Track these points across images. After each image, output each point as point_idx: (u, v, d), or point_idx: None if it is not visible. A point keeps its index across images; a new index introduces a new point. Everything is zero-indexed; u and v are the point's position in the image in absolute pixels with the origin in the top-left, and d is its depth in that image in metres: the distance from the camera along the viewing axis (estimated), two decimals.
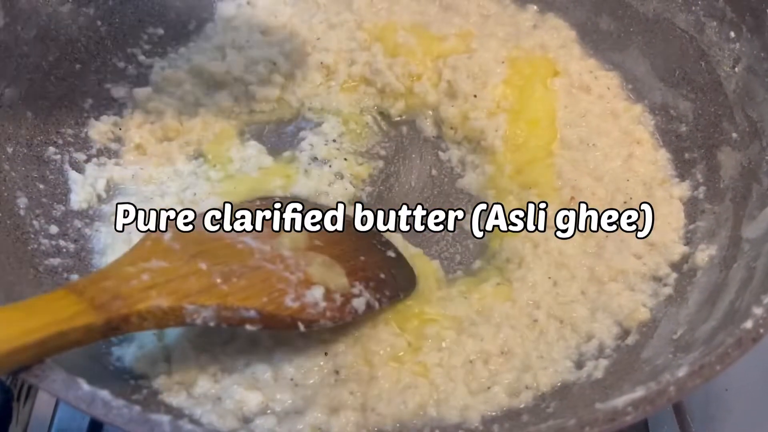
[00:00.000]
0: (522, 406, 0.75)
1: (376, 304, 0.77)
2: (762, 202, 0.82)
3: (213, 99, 1.00)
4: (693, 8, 0.96)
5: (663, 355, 0.73)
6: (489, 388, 0.77)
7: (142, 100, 0.99)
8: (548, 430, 0.55)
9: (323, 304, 0.72)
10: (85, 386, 0.55)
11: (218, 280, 0.68)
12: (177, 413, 0.70)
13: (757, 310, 0.63)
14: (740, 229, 0.82)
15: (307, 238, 0.77)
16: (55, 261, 0.83)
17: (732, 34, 0.91)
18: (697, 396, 0.92)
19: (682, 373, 0.57)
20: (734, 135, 0.89)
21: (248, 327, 0.69)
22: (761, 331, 0.61)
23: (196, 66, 1.02)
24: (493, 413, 0.75)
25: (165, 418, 0.54)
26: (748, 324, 0.62)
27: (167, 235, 0.70)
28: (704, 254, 0.83)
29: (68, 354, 0.63)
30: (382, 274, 0.79)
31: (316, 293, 0.72)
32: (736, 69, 0.91)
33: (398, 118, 1.02)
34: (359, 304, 0.75)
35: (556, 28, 1.07)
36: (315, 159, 0.96)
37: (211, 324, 0.67)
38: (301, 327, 0.71)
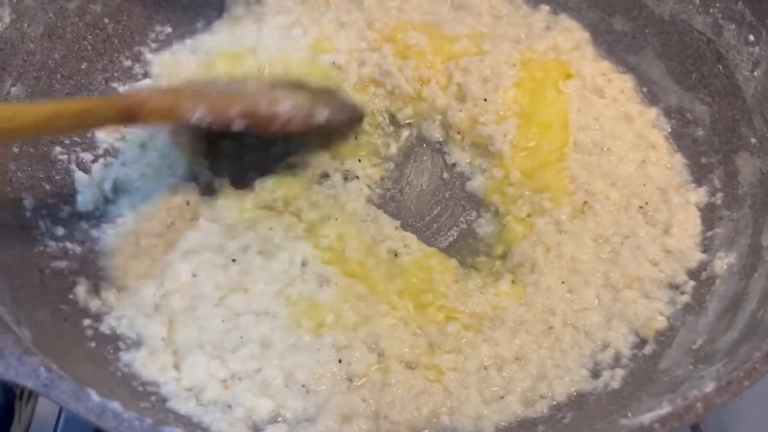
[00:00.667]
0: (537, 416, 0.74)
1: (336, 117, 0.93)
2: None
3: None
4: (711, 10, 0.95)
5: (682, 365, 0.72)
6: (503, 397, 0.76)
7: None
8: None
9: (292, 111, 0.88)
10: (95, 397, 0.54)
11: (207, 91, 0.87)
12: (186, 421, 0.68)
13: None
14: (760, 237, 0.81)
15: (271, 83, 0.95)
16: (62, 264, 0.82)
17: (751, 37, 0.90)
18: None
19: (709, 388, 0.56)
20: (753, 140, 0.88)
21: (235, 126, 0.84)
22: None
23: (202, 55, 1.02)
24: (508, 423, 0.73)
25: (178, 431, 0.52)
26: None
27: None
28: (723, 262, 0.82)
29: (76, 359, 0.62)
30: (337, 104, 0.96)
31: (286, 103, 0.88)
32: (755, 73, 0.89)
33: (406, 122, 1.01)
34: (321, 113, 0.90)
35: (570, 30, 1.05)
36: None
37: (204, 122, 0.82)
38: (278, 123, 0.87)
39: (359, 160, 0.96)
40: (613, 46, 1.03)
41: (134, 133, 0.95)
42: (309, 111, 0.90)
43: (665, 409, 0.55)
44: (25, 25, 0.88)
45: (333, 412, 0.72)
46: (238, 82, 0.94)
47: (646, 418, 0.54)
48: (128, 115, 0.80)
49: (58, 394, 0.53)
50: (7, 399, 0.88)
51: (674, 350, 0.76)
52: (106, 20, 0.98)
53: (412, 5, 1.07)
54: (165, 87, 0.94)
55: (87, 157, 0.92)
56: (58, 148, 0.90)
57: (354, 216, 0.90)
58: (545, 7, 1.06)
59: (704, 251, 0.85)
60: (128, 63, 1.00)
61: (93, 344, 0.75)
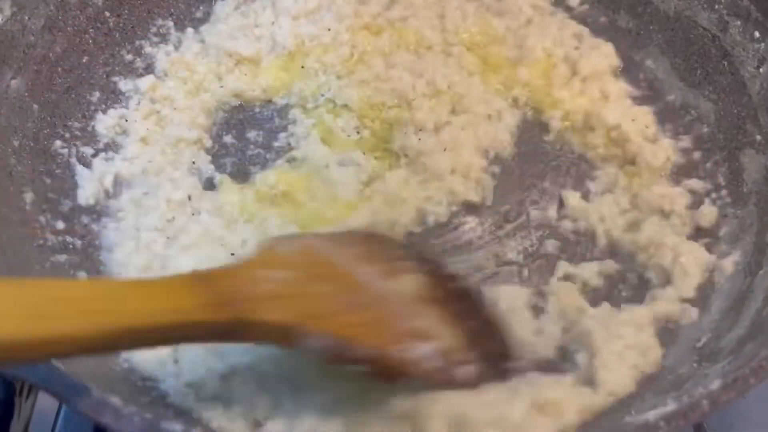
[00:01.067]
0: None
1: (482, 378, 0.68)
2: None
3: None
4: (716, 6, 0.94)
5: (686, 363, 0.71)
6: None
7: (148, 89, 0.98)
8: None
9: (431, 362, 0.65)
10: (95, 392, 0.53)
11: (338, 309, 0.63)
12: (186, 418, 0.68)
13: None
14: (765, 235, 0.80)
15: (428, 287, 0.70)
16: (62, 257, 0.81)
17: (757, 33, 0.89)
18: None
19: (715, 386, 0.55)
20: (758, 137, 0.87)
21: (351, 366, 0.64)
22: None
23: (207, 46, 1.01)
24: None
25: (177, 427, 0.52)
26: None
27: (284, 247, 0.65)
28: (728, 260, 0.81)
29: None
30: (492, 345, 0.72)
31: (428, 348, 0.65)
32: (761, 69, 0.88)
33: None
34: (467, 372, 0.67)
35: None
36: None
37: (315, 354, 0.62)
38: (406, 380, 0.65)
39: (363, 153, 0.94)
40: (617, 42, 1.02)
41: (135, 128, 0.95)
42: (452, 361, 0.66)
43: (670, 406, 0.55)
44: (26, 18, 0.88)
45: None
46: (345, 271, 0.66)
47: (651, 415, 0.54)
48: (228, 332, 0.57)
49: (58, 389, 0.53)
50: (7, 394, 0.87)
51: (678, 348, 0.76)
52: (107, 14, 0.97)
53: None
54: (284, 278, 0.62)
55: (88, 151, 0.92)
56: (58, 142, 0.90)
57: None
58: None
59: (709, 250, 0.84)
60: (129, 57, 0.99)
61: None
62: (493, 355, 0.71)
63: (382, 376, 0.66)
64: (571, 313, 0.78)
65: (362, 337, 0.62)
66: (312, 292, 0.62)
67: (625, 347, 0.74)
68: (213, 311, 0.55)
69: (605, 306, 0.79)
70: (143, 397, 0.69)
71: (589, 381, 0.71)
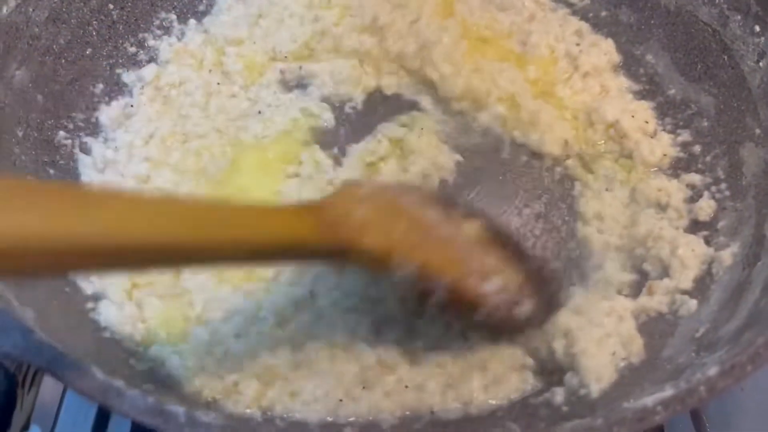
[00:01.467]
0: (537, 402, 0.74)
1: (537, 318, 0.75)
2: None
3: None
4: (716, 1, 0.94)
5: (685, 353, 0.71)
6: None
7: (152, 78, 0.99)
8: (575, 428, 0.53)
9: (499, 296, 0.70)
10: (99, 375, 0.54)
11: (422, 243, 0.68)
12: (190, 401, 0.68)
13: None
14: (764, 227, 0.80)
15: (485, 232, 0.74)
16: None
17: (757, 28, 0.89)
18: None
19: (712, 372, 0.56)
20: (758, 131, 0.87)
21: (431, 297, 0.69)
22: None
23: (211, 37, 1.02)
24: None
25: (180, 410, 0.52)
26: None
27: (364, 190, 0.70)
28: (726, 252, 0.82)
29: (79, 341, 0.62)
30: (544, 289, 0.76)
31: (495, 283, 0.70)
32: (761, 64, 0.89)
33: None
34: (525, 310, 0.72)
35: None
36: None
37: (405, 280, 0.66)
38: (478, 314, 0.70)
39: None
40: (618, 37, 1.03)
41: (139, 120, 0.96)
42: (515, 298, 0.71)
43: (668, 392, 0.55)
44: (30, 9, 0.88)
45: None
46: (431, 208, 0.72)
47: (649, 400, 0.54)
48: (331, 252, 0.64)
49: (63, 372, 0.53)
50: (9, 386, 0.88)
51: (676, 338, 0.76)
52: (110, 6, 0.98)
53: None
54: (371, 211, 0.67)
55: (91, 141, 0.92)
56: (62, 133, 0.90)
57: None
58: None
59: (707, 242, 0.85)
60: (133, 49, 1.00)
61: (96, 326, 0.75)
62: (544, 299, 0.75)
63: (456, 308, 0.72)
64: None
65: (444, 268, 0.68)
66: (397, 225, 0.68)
67: (605, 335, 0.75)
68: (321, 234, 0.62)
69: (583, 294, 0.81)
70: (146, 384, 0.70)
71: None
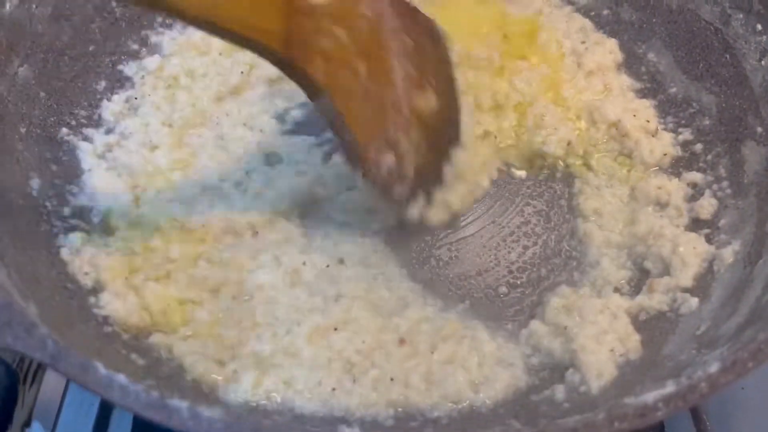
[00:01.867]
0: (538, 399, 0.74)
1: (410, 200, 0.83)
2: None
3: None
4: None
5: (686, 351, 0.72)
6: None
7: (154, 69, 0.99)
8: (576, 424, 0.53)
9: (386, 171, 0.78)
10: (102, 370, 0.54)
11: (358, 93, 0.75)
12: (193, 396, 0.69)
13: None
14: (765, 225, 0.80)
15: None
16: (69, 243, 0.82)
17: (759, 26, 0.90)
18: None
19: (713, 368, 0.56)
20: (759, 129, 0.87)
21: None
22: None
23: None
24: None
25: (183, 404, 0.53)
26: None
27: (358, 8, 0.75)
28: (728, 250, 0.82)
29: (81, 336, 0.62)
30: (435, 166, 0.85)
31: (390, 160, 0.78)
32: (763, 62, 0.89)
33: None
34: (402, 191, 0.81)
35: None
36: None
37: (319, 112, 0.76)
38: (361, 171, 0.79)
39: None
40: (620, 35, 1.03)
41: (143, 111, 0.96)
42: (397, 179, 0.80)
43: (669, 388, 0.55)
44: (34, 7, 0.88)
45: None
46: None
47: (650, 396, 0.54)
48: (279, 61, 0.71)
49: (66, 366, 0.54)
50: (10, 382, 0.87)
51: (677, 336, 0.76)
52: (113, 3, 0.98)
53: None
54: (339, 38, 0.74)
55: (94, 137, 0.92)
56: (64, 129, 0.90)
57: None
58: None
59: (709, 240, 0.85)
60: (135, 47, 1.00)
61: (98, 322, 0.75)
62: (429, 179, 0.84)
63: (350, 160, 0.80)
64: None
65: (358, 126, 0.75)
66: (351, 67, 0.74)
67: (601, 332, 0.76)
68: (281, 45, 0.69)
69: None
70: (148, 380, 0.70)
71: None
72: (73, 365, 0.53)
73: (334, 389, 0.72)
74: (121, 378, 0.53)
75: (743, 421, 0.90)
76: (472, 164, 0.89)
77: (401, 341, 0.76)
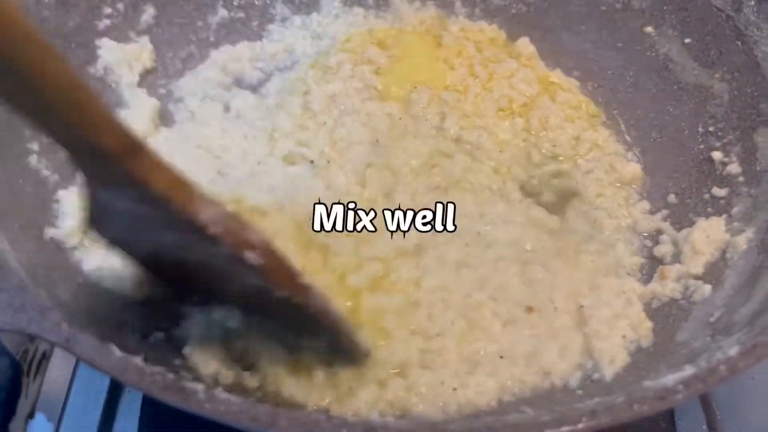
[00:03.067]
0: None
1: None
2: None
3: None
4: None
5: (700, 338, 0.71)
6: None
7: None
8: (597, 407, 0.53)
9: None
10: (118, 352, 0.53)
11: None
12: (209, 380, 0.68)
13: None
14: None
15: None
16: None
17: None
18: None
19: (733, 352, 0.56)
20: None
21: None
22: None
23: None
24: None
25: (200, 386, 0.52)
26: None
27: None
28: (741, 237, 0.81)
29: (94, 321, 0.62)
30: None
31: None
32: None
33: None
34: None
35: None
36: None
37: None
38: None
39: None
40: (631, 23, 1.02)
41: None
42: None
43: (689, 371, 0.55)
44: None
45: None
46: None
47: (670, 379, 0.54)
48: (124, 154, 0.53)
49: (81, 349, 0.53)
50: (14, 374, 0.87)
51: (690, 323, 0.76)
52: None
53: None
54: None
55: None
56: None
57: None
58: None
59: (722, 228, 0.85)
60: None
61: (111, 306, 0.75)
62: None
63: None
64: None
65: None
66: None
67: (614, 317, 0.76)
68: (105, 142, 0.52)
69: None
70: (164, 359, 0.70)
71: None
72: (88, 348, 0.53)
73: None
74: (138, 361, 0.53)
75: (753, 410, 0.90)
76: None
77: None
